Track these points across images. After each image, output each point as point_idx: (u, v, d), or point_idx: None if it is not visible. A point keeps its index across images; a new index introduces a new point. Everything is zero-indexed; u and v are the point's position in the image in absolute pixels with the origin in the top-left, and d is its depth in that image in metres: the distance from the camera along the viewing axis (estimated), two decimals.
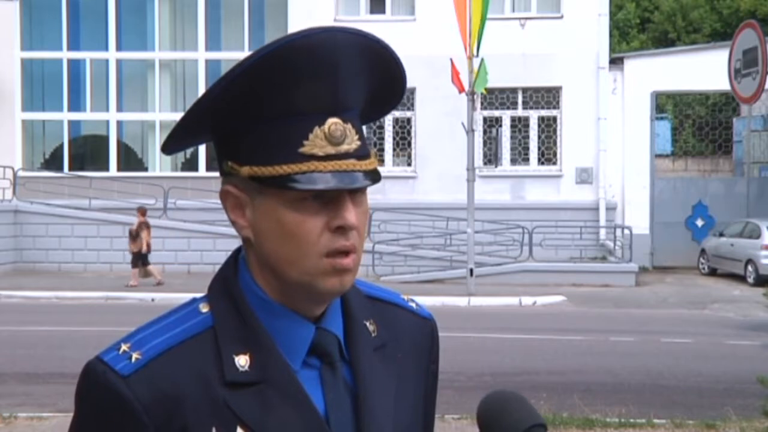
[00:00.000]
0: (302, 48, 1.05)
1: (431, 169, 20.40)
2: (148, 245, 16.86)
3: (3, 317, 13.11)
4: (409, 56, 17.04)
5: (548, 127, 20.99)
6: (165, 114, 21.11)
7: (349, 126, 1.10)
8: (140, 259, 16.83)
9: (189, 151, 21.04)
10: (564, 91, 20.55)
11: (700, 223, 21.35)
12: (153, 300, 15.15)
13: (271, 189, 1.08)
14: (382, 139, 20.98)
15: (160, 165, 21.21)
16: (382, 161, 20.70)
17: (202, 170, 20.86)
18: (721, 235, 19.60)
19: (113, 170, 21.21)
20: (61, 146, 21.62)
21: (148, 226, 16.99)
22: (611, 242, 19.94)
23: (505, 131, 20.60)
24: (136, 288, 16.36)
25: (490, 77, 15.89)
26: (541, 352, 10.55)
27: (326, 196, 1.08)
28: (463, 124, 16.15)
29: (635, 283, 17.98)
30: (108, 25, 21.25)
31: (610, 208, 20.50)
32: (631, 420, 7.00)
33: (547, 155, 21.00)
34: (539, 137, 21.01)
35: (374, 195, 18.62)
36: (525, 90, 20.85)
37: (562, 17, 20.60)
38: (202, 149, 20.43)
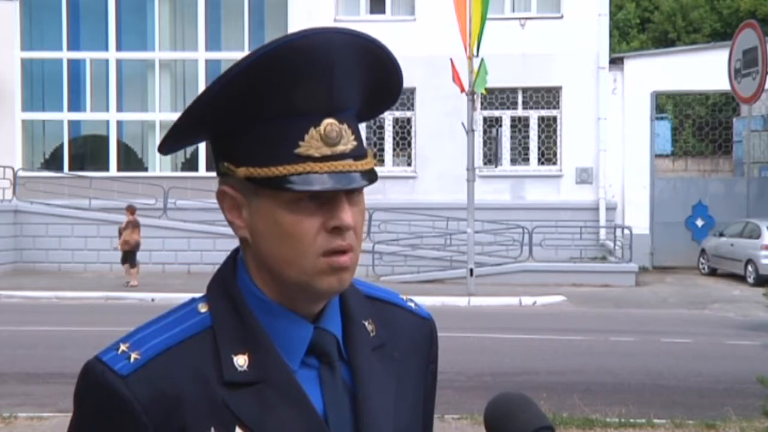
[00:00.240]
0: (299, 49, 1.05)
1: (431, 169, 20.40)
2: (131, 243, 16.72)
3: (3, 317, 13.11)
4: (409, 56, 17.17)
5: (548, 127, 20.99)
6: (165, 114, 21.11)
7: (345, 126, 1.10)
8: (130, 257, 16.79)
9: (189, 151, 21.07)
10: (564, 91, 20.56)
11: (700, 223, 21.36)
12: (153, 300, 15.15)
13: (268, 190, 1.08)
14: (382, 139, 20.98)
15: (160, 165, 21.20)
16: (382, 161, 20.70)
17: (202, 170, 20.87)
18: (721, 235, 19.60)
19: (113, 170, 21.21)
20: (61, 146, 21.62)
21: (136, 225, 16.91)
22: (611, 242, 19.95)
23: (505, 131, 20.60)
24: (137, 288, 16.35)
25: (490, 77, 15.89)
26: (541, 352, 10.55)
27: (322, 197, 1.09)
28: (463, 124, 16.15)
29: (635, 283, 17.98)
30: (108, 25, 21.25)
31: (610, 208, 20.50)
32: (631, 420, 7.00)
33: (547, 155, 21.00)
34: (539, 137, 21.01)
35: (374, 195, 18.63)
36: (525, 90, 20.85)
37: (562, 17, 20.60)
38: (202, 149, 20.43)
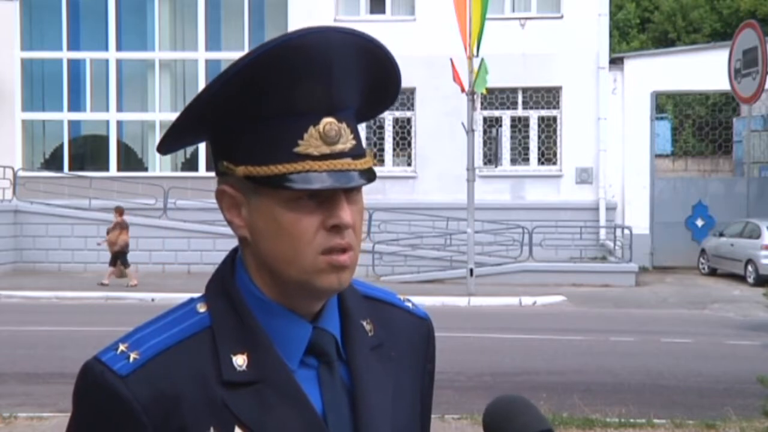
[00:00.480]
0: (297, 47, 1.05)
1: (431, 169, 20.40)
2: (120, 244, 16.75)
3: (3, 317, 13.11)
4: (409, 56, 17.18)
5: (548, 127, 20.99)
6: (165, 114, 21.12)
7: (344, 125, 1.11)
8: (120, 257, 16.81)
9: (189, 151, 21.07)
10: (564, 91, 20.56)
11: (700, 223, 21.36)
12: (153, 300, 15.15)
13: (267, 189, 1.09)
14: (382, 139, 20.98)
15: (160, 165, 21.20)
16: (382, 161, 20.71)
17: (202, 170, 20.87)
18: (721, 235, 19.60)
19: (113, 170, 21.22)
20: (61, 146, 21.62)
21: (124, 227, 16.93)
22: (611, 242, 19.95)
23: (505, 131, 20.60)
24: (137, 287, 16.36)
25: (490, 77, 15.89)
26: (541, 352, 10.55)
27: (321, 195, 1.09)
28: (463, 124, 16.16)
29: (635, 283, 17.98)
30: (108, 25, 21.25)
31: (610, 208, 20.50)
32: (631, 420, 7.00)
33: (547, 155, 21.00)
34: (539, 137, 21.01)
35: (374, 195, 18.63)
36: (525, 90, 20.85)
37: (562, 17, 20.60)
38: (202, 149, 20.43)
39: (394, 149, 21.14)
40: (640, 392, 8.32)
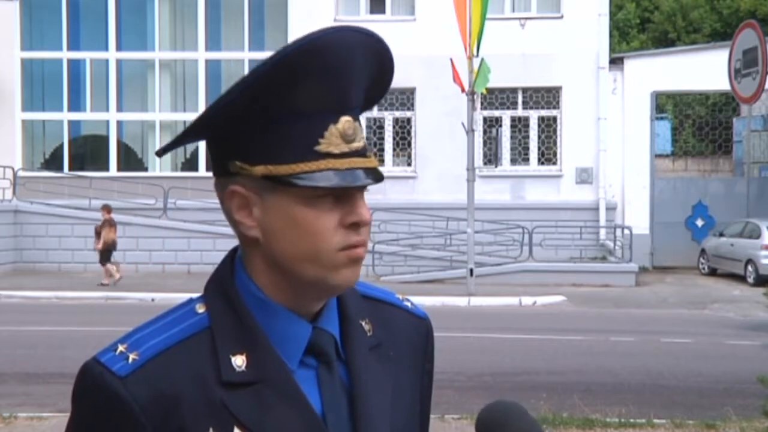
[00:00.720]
0: (323, 48, 1.06)
1: (431, 169, 20.40)
2: (106, 243, 16.80)
3: (3, 317, 13.11)
4: (409, 56, 17.16)
5: (548, 127, 20.99)
6: (165, 114, 21.12)
7: (357, 124, 1.12)
8: (107, 255, 16.86)
9: (189, 151, 21.08)
10: (564, 91, 20.56)
11: (700, 223, 21.36)
12: (153, 300, 15.15)
13: (286, 187, 1.09)
14: (382, 139, 20.98)
15: (160, 165, 21.20)
16: (382, 161, 20.70)
17: (202, 170, 20.86)
18: (721, 235, 19.60)
19: (113, 170, 21.22)
20: (61, 146, 21.62)
21: (112, 224, 16.98)
22: (611, 242, 19.95)
23: (505, 131, 20.60)
24: (136, 287, 16.35)
25: (490, 77, 15.88)
26: (541, 352, 10.55)
27: (339, 193, 1.10)
28: (463, 124, 16.15)
29: (635, 283, 17.98)
30: (108, 25, 21.25)
31: (610, 208, 20.50)
32: (631, 420, 7.00)
33: (547, 155, 21.00)
34: (539, 137, 21.01)
35: (374, 195, 18.51)
36: (525, 90, 20.85)
37: (562, 17, 20.60)
38: (202, 149, 20.42)
39: (394, 149, 21.13)
40: (640, 392, 8.32)
